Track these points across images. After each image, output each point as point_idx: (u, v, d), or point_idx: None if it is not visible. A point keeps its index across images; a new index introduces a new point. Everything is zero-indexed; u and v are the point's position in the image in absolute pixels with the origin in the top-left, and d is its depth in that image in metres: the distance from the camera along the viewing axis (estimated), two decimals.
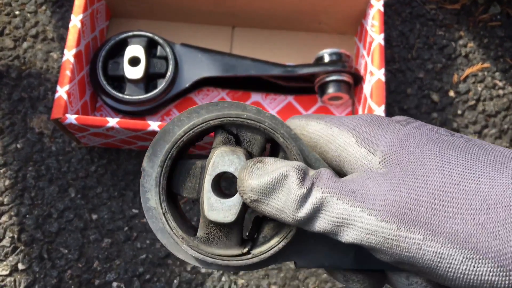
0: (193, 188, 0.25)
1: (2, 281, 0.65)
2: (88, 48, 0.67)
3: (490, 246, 0.19)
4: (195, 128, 0.24)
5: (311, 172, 0.22)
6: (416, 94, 0.75)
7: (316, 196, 0.21)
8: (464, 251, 0.19)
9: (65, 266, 0.66)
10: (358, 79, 0.69)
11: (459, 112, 0.75)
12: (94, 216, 0.68)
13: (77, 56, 0.63)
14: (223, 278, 0.66)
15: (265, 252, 0.24)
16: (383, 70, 0.63)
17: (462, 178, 0.20)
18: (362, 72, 0.69)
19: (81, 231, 0.68)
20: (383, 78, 0.63)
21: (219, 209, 0.24)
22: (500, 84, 0.76)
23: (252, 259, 0.24)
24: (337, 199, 0.21)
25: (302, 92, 0.73)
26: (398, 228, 0.20)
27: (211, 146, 0.25)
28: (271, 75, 0.69)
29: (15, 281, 0.65)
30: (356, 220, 0.21)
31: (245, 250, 0.24)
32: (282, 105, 0.73)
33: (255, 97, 0.73)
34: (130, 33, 0.68)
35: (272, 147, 0.26)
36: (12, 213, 0.68)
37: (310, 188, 0.21)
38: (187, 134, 0.24)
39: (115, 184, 0.69)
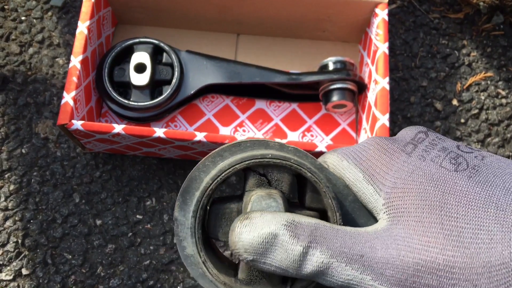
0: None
1: (6, 286, 0.65)
2: (94, 54, 0.68)
3: None
4: (223, 175, 0.24)
5: (304, 222, 0.22)
6: (419, 103, 0.75)
7: (319, 259, 0.21)
8: None
9: (69, 271, 0.66)
10: (362, 87, 0.70)
11: (462, 120, 0.75)
12: (98, 222, 0.68)
13: (83, 62, 0.64)
14: None
15: (306, 287, 0.24)
16: (387, 79, 0.63)
17: (461, 236, 0.20)
18: (366, 80, 0.70)
19: (85, 236, 0.68)
20: (387, 87, 0.63)
21: None
22: (503, 93, 0.77)
23: None
24: (346, 265, 0.21)
25: (306, 100, 0.73)
26: None
27: (244, 189, 0.25)
28: (276, 83, 0.69)
29: (18, 286, 0.65)
30: (368, 287, 0.21)
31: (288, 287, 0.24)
32: (286, 112, 0.73)
33: (260, 104, 0.73)
34: (136, 40, 0.68)
35: (299, 180, 0.26)
36: (16, 218, 0.68)
37: (307, 246, 0.21)
38: (215, 181, 0.24)
39: (120, 190, 0.70)
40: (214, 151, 0.25)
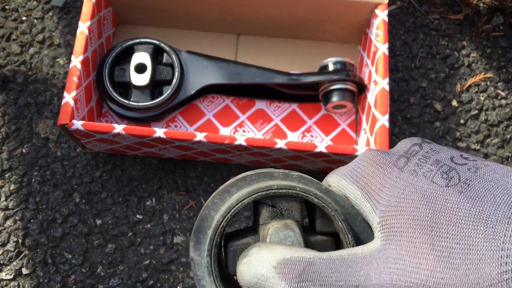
0: None
1: (6, 285, 0.66)
2: (95, 54, 0.68)
3: None
4: (232, 211, 0.24)
5: (298, 258, 0.22)
6: (419, 103, 0.76)
7: None
8: None
9: (69, 271, 0.66)
10: (362, 88, 0.70)
11: (462, 121, 0.75)
12: (98, 222, 0.69)
13: (84, 62, 0.64)
14: None
15: None
16: (387, 80, 0.64)
17: (451, 257, 0.20)
18: (366, 81, 0.70)
19: (85, 236, 0.68)
20: (387, 88, 0.63)
21: None
22: (503, 94, 0.77)
23: None
24: None
25: (306, 100, 0.73)
26: None
27: (259, 222, 0.25)
28: (276, 83, 0.70)
29: (19, 285, 0.66)
30: None
31: None
32: (286, 112, 0.73)
33: (260, 104, 0.73)
34: (137, 40, 0.68)
35: (308, 206, 0.26)
36: (16, 218, 0.68)
37: (297, 286, 0.21)
38: (225, 218, 0.24)
39: (120, 189, 0.70)
40: (221, 187, 0.26)
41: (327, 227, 0.25)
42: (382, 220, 0.22)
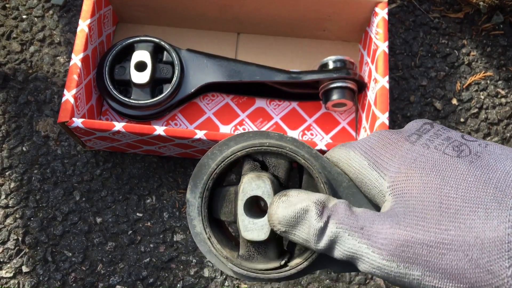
0: (230, 212, 0.28)
1: (6, 283, 0.66)
2: (95, 52, 0.68)
3: (483, 280, 0.20)
4: (225, 161, 0.27)
5: (330, 203, 0.24)
6: (419, 102, 0.76)
7: (331, 230, 0.23)
8: (460, 285, 0.20)
9: (69, 269, 0.66)
10: (362, 86, 0.70)
11: (462, 120, 0.75)
12: (99, 220, 0.69)
13: (84, 60, 0.64)
14: (226, 283, 0.67)
15: (301, 264, 0.26)
16: (387, 78, 0.64)
17: (458, 214, 0.21)
18: (366, 79, 0.70)
19: (85, 234, 0.68)
20: (387, 86, 0.63)
21: (253, 229, 0.26)
22: (503, 92, 0.77)
23: (289, 271, 0.26)
24: (348, 235, 0.23)
25: (306, 99, 0.73)
26: (397, 266, 0.22)
27: (241, 174, 0.28)
28: (276, 81, 0.70)
29: (19, 283, 0.66)
30: (364, 256, 0.22)
31: (283, 262, 0.27)
32: (286, 111, 0.73)
33: (260, 102, 0.74)
34: (137, 38, 0.68)
35: (299, 167, 0.29)
36: (17, 216, 0.68)
37: (326, 222, 0.24)
38: (219, 166, 0.27)
39: (120, 187, 0.70)
40: (222, 140, 0.28)
41: (311, 188, 0.27)
42: (392, 184, 0.23)
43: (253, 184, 0.27)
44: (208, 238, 0.27)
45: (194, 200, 0.28)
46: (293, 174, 0.28)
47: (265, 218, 0.26)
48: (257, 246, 0.27)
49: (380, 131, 0.26)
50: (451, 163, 0.22)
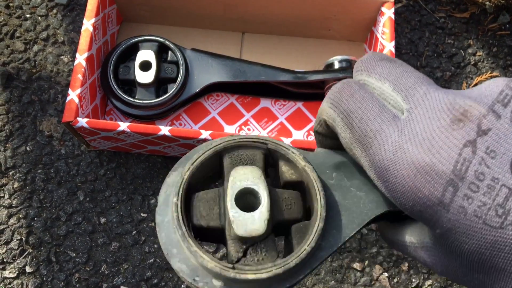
0: (213, 215, 0.24)
1: (10, 283, 0.65)
2: (99, 52, 0.68)
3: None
4: (195, 162, 0.25)
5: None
6: None
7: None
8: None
9: (73, 269, 0.66)
10: None
11: None
12: (103, 220, 0.68)
13: (88, 59, 0.64)
14: None
15: (303, 249, 0.23)
16: None
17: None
18: None
19: (89, 234, 0.68)
20: None
21: (247, 224, 0.23)
22: None
23: (289, 263, 0.23)
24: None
25: (311, 99, 0.73)
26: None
27: (223, 171, 0.26)
28: (281, 81, 0.69)
29: (22, 284, 0.65)
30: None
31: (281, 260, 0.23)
32: (291, 111, 0.73)
33: (265, 102, 0.73)
34: (141, 38, 0.68)
35: (274, 163, 0.27)
36: (20, 216, 0.68)
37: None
38: (189, 169, 0.25)
39: (124, 188, 0.70)
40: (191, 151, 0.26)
41: (290, 174, 0.26)
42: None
43: (241, 172, 0.24)
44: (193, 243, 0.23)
45: (165, 218, 0.24)
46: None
47: (261, 208, 0.24)
48: (250, 243, 0.24)
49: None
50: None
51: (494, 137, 0.19)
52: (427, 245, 0.22)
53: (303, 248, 0.23)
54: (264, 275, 0.23)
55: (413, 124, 0.20)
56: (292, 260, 0.23)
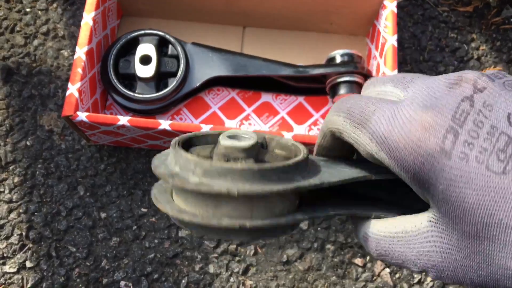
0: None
1: (10, 278, 0.65)
2: (99, 46, 0.67)
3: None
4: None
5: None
6: None
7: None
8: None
9: (73, 264, 0.66)
10: None
11: None
12: (103, 215, 0.68)
13: (88, 53, 0.63)
14: (232, 279, 0.66)
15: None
16: (396, 72, 0.63)
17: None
18: (374, 73, 0.69)
19: (90, 229, 0.67)
20: None
21: (235, 138, 0.24)
22: None
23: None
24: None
25: (312, 93, 0.72)
26: None
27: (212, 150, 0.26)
28: (282, 75, 0.69)
29: (22, 278, 0.65)
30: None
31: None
32: (293, 105, 0.72)
33: (266, 97, 0.73)
34: (142, 32, 0.68)
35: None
36: (20, 211, 0.68)
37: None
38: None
39: (124, 182, 0.69)
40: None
41: (280, 152, 0.26)
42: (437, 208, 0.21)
43: (233, 137, 0.24)
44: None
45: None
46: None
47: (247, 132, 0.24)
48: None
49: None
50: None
51: (489, 94, 0.20)
52: (424, 229, 0.22)
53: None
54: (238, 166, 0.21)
55: (412, 94, 0.22)
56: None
